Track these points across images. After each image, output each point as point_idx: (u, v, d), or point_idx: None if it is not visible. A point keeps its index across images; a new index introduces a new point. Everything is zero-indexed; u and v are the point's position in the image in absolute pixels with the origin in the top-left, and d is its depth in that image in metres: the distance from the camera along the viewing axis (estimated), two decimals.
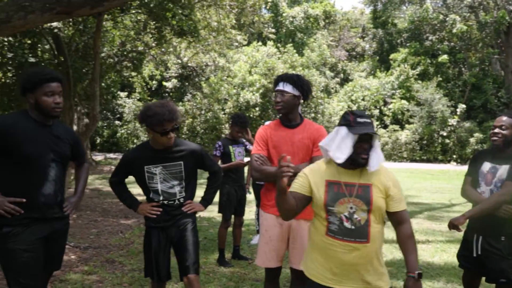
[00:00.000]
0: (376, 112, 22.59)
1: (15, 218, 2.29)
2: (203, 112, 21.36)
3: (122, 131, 21.44)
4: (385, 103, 22.91)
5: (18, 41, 8.53)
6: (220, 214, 4.73)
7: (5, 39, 7.83)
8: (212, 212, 6.71)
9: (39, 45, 9.55)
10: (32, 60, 7.98)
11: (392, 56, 25.18)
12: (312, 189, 2.08)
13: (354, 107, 22.57)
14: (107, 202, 8.11)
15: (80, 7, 6.26)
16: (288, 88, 2.73)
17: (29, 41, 8.99)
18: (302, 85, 2.77)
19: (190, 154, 2.78)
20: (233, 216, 4.74)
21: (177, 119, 2.68)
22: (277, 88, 2.78)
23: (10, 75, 9.67)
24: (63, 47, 9.50)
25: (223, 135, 17.94)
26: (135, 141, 20.89)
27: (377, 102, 22.93)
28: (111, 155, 19.02)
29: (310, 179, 2.10)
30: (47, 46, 10.20)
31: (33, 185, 2.37)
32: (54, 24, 8.28)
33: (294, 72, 19.96)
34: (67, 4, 6.02)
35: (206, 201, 2.95)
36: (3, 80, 9.77)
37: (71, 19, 9.81)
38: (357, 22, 32.72)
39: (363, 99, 23.20)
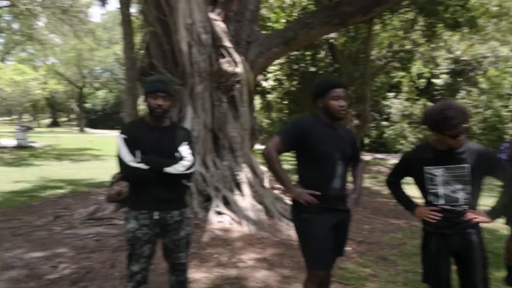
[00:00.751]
0: None
1: (311, 207, 2.65)
2: (480, 110, 19.05)
3: (389, 131, 21.51)
4: None
5: (301, 54, 9.86)
6: (507, 227, 4.14)
7: (292, 54, 9.24)
8: (497, 223, 5.93)
9: (317, 56, 10.76)
10: (312, 69, 9.02)
11: None
12: None
13: None
14: (377, 201, 8.33)
15: (353, 16, 6.72)
16: None
17: (309, 53, 10.31)
18: None
19: (476, 157, 2.51)
20: None
21: (468, 120, 2.50)
22: None
23: (295, 83, 11.25)
24: (337, 55, 10.39)
25: (507, 136, 15.58)
26: (402, 141, 20.59)
27: None
28: (379, 156, 19.37)
29: None
30: (321, 55, 11.36)
31: (325, 179, 2.69)
32: (331, 35, 9.21)
33: None
34: (341, 16, 6.57)
35: (495, 212, 2.59)
36: (290, 88, 11.43)
37: (344, 28, 10.55)
38: None
39: None
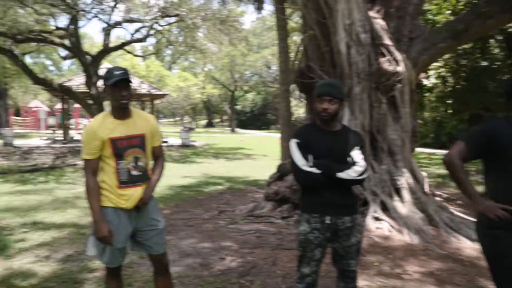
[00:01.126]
0: None
1: (502, 222, 2.32)
2: None
3: None
4: None
5: (470, 48, 8.83)
6: None
7: (459, 48, 8.34)
8: None
9: (489, 48, 9.47)
10: (484, 63, 8.01)
11: None
12: None
13: None
14: None
15: None
16: None
17: (479, 46, 9.13)
18: None
19: None
20: None
21: None
22: None
23: (461, 80, 10.15)
24: None
25: None
26: None
27: None
28: None
29: None
30: (492, 47, 9.96)
31: None
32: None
33: None
34: None
35: None
36: (455, 86, 10.36)
37: None
38: None
39: None
